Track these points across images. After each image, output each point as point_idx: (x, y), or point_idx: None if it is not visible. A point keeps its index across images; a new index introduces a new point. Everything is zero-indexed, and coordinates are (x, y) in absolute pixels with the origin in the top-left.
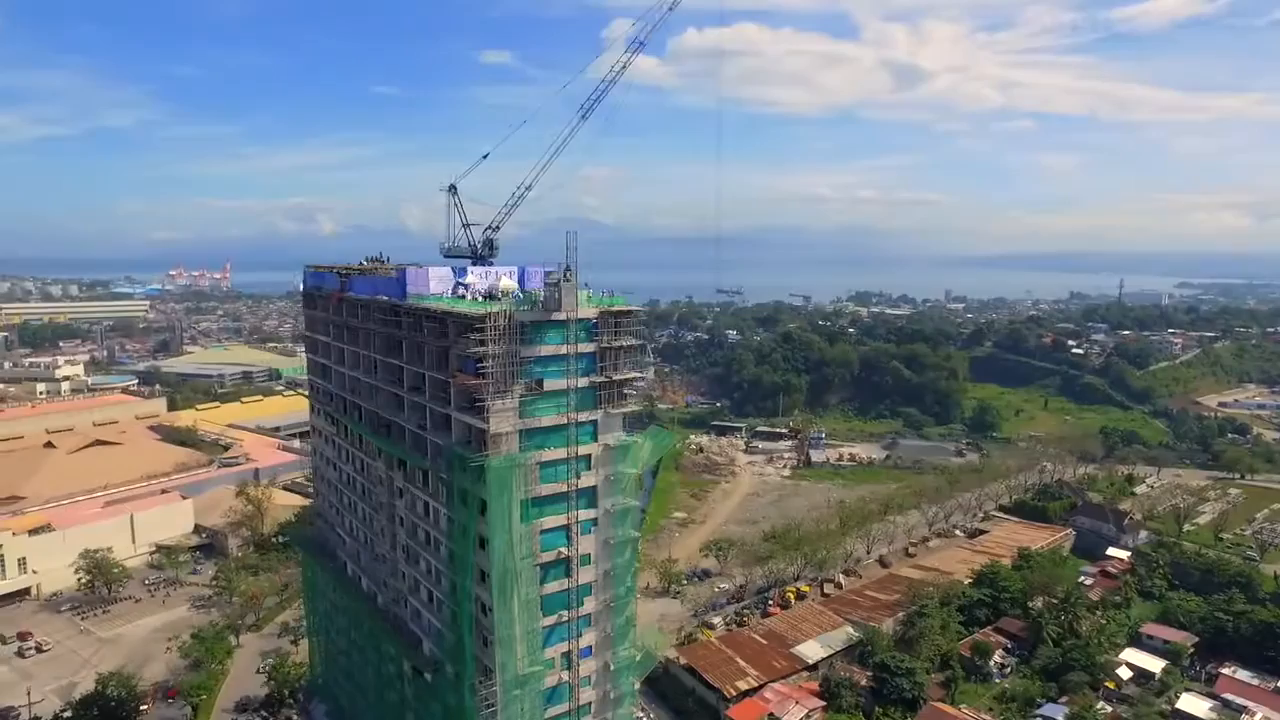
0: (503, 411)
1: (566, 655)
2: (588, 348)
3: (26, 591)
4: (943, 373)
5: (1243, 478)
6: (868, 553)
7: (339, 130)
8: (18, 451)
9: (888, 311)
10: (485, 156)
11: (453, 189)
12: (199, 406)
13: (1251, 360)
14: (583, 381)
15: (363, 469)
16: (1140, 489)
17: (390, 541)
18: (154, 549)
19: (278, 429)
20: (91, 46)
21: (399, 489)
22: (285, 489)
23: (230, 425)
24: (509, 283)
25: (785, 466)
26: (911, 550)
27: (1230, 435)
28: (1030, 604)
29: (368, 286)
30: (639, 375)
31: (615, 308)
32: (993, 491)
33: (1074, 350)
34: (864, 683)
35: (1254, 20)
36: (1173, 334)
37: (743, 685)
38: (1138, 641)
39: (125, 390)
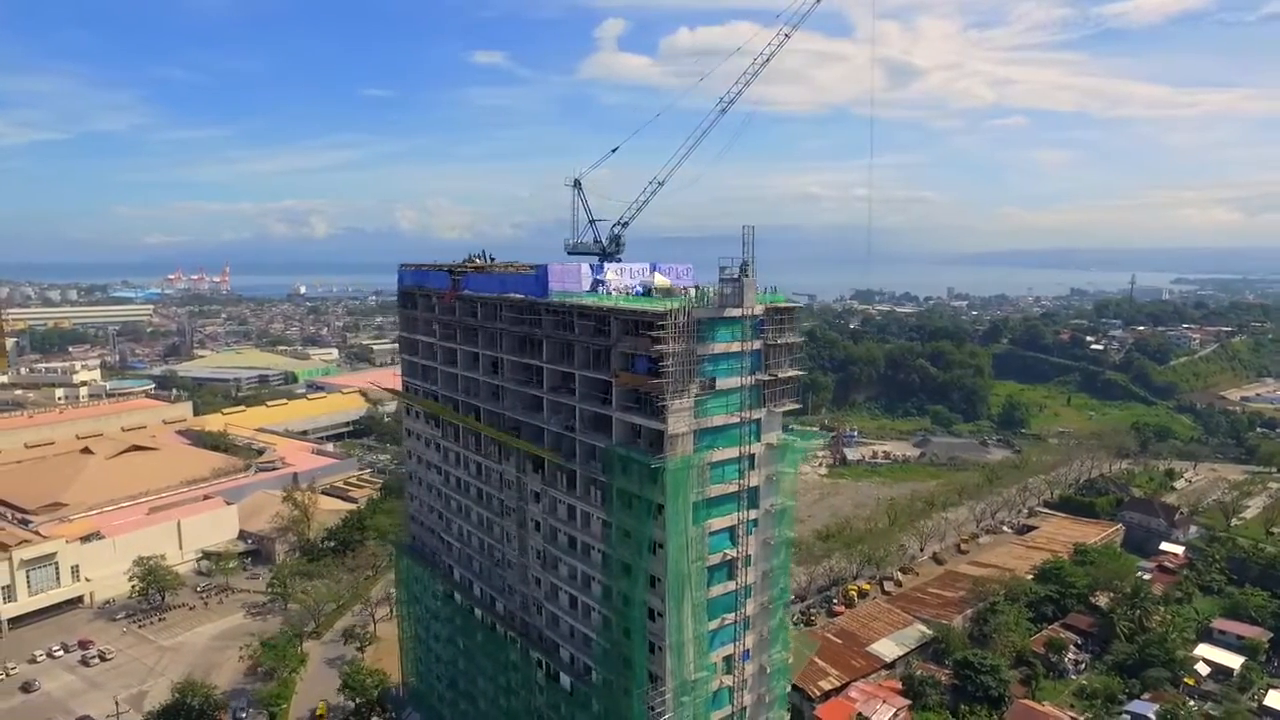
0: (680, 411)
1: (728, 659)
2: (755, 345)
3: (79, 599)
4: (969, 370)
5: (1278, 472)
6: (921, 550)
7: (330, 133)
8: (53, 458)
9: (896, 310)
10: (614, 151)
11: (577, 184)
12: (225, 411)
13: (1269, 354)
14: (749, 379)
15: (479, 472)
16: (1179, 484)
17: (519, 546)
18: (200, 555)
19: (305, 433)
20: (82, 51)
21: (534, 492)
22: (324, 493)
23: (259, 429)
24: (664, 280)
25: (821, 465)
26: (964, 547)
27: (1260, 429)
28: (1093, 599)
29: (493, 284)
30: (802, 373)
31: (780, 304)
32: (1034, 487)
33: (1093, 346)
34: (944, 680)
35: (1245, 15)
36: (1188, 329)
37: (825, 685)
38: (1209, 636)
39: (146, 395)
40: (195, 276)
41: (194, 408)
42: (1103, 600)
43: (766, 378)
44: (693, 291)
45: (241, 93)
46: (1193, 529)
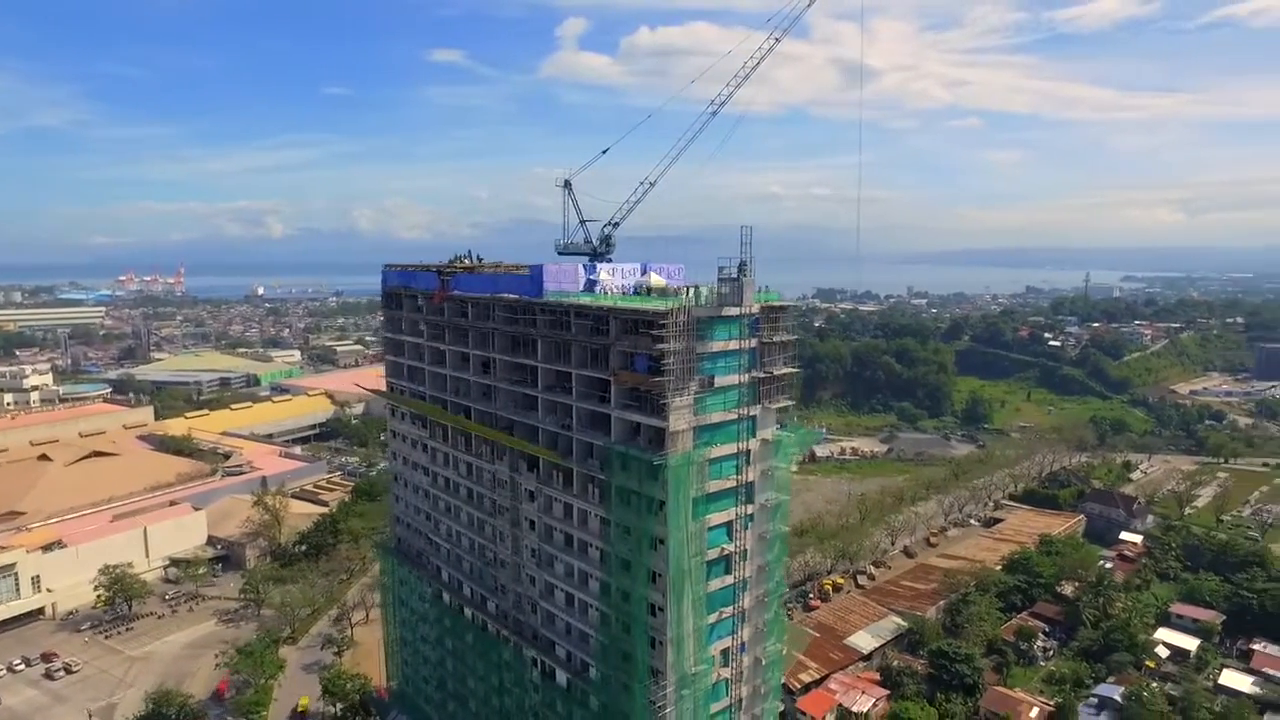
0: (680, 409)
1: (725, 652)
2: (751, 343)
3: (41, 611)
4: (932, 366)
5: (1226, 462)
6: (892, 543)
7: (286, 132)
8: (8, 465)
9: (859, 309)
10: (605, 152)
11: (567, 185)
12: (188, 415)
13: (1214, 350)
14: (745, 377)
15: (470, 472)
16: (1136, 475)
17: (512, 545)
18: (168, 563)
19: (271, 436)
20: (13, 45)
21: (529, 491)
22: (294, 497)
23: (224, 433)
24: (659, 279)
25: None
26: (933, 540)
27: (1208, 422)
28: (1059, 588)
29: (485, 285)
30: (796, 370)
31: (774, 303)
32: (998, 480)
33: (1050, 343)
34: (920, 670)
35: (1184, 24)
36: (1140, 325)
37: (806, 678)
38: (1167, 621)
39: (104, 399)
40: (149, 278)
41: (155, 412)
42: (1068, 589)
43: (762, 375)
44: (689, 291)
45: (190, 90)
46: (1149, 518)
